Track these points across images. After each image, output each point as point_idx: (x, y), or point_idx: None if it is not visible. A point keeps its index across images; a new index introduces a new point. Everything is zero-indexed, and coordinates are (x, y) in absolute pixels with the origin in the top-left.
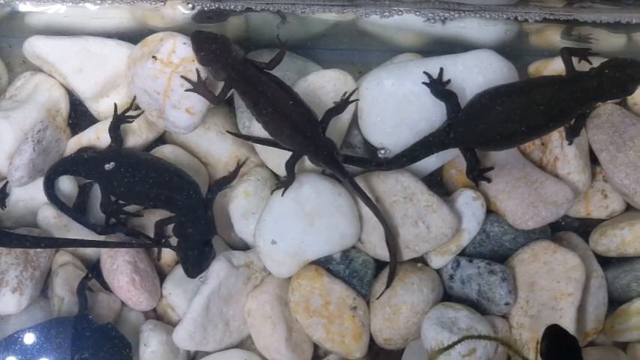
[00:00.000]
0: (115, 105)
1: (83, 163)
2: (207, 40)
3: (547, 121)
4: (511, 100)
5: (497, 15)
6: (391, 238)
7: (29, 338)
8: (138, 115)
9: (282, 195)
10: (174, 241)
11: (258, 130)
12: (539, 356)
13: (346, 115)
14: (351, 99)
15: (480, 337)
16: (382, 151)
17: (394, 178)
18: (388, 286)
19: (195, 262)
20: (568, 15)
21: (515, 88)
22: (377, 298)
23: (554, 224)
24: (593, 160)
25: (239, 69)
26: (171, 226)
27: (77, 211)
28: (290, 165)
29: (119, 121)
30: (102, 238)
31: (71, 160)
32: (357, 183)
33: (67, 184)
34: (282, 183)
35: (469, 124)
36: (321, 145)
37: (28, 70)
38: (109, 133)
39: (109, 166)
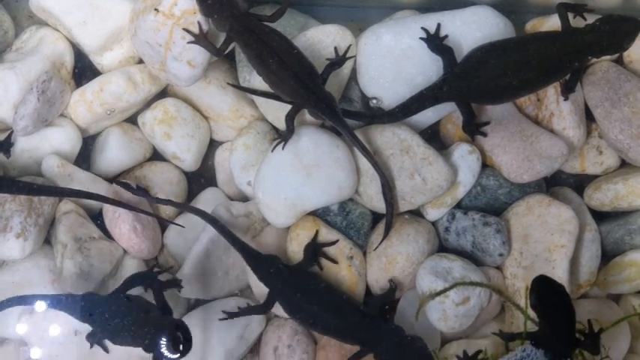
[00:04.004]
0: None
1: None
2: None
3: (540, 75)
4: (505, 55)
5: None
6: (388, 190)
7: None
8: None
9: (283, 148)
10: None
11: (258, 83)
12: (529, 304)
13: (345, 70)
14: (348, 54)
15: (470, 283)
16: (374, 101)
17: (391, 132)
18: (385, 237)
19: None
20: None
21: (510, 43)
22: (374, 249)
23: (550, 180)
24: (589, 117)
25: (243, 20)
26: None
27: None
28: (290, 117)
29: None
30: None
31: None
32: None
33: None
34: (282, 136)
35: (464, 78)
36: (322, 97)
37: (34, 25)
38: None
39: None
